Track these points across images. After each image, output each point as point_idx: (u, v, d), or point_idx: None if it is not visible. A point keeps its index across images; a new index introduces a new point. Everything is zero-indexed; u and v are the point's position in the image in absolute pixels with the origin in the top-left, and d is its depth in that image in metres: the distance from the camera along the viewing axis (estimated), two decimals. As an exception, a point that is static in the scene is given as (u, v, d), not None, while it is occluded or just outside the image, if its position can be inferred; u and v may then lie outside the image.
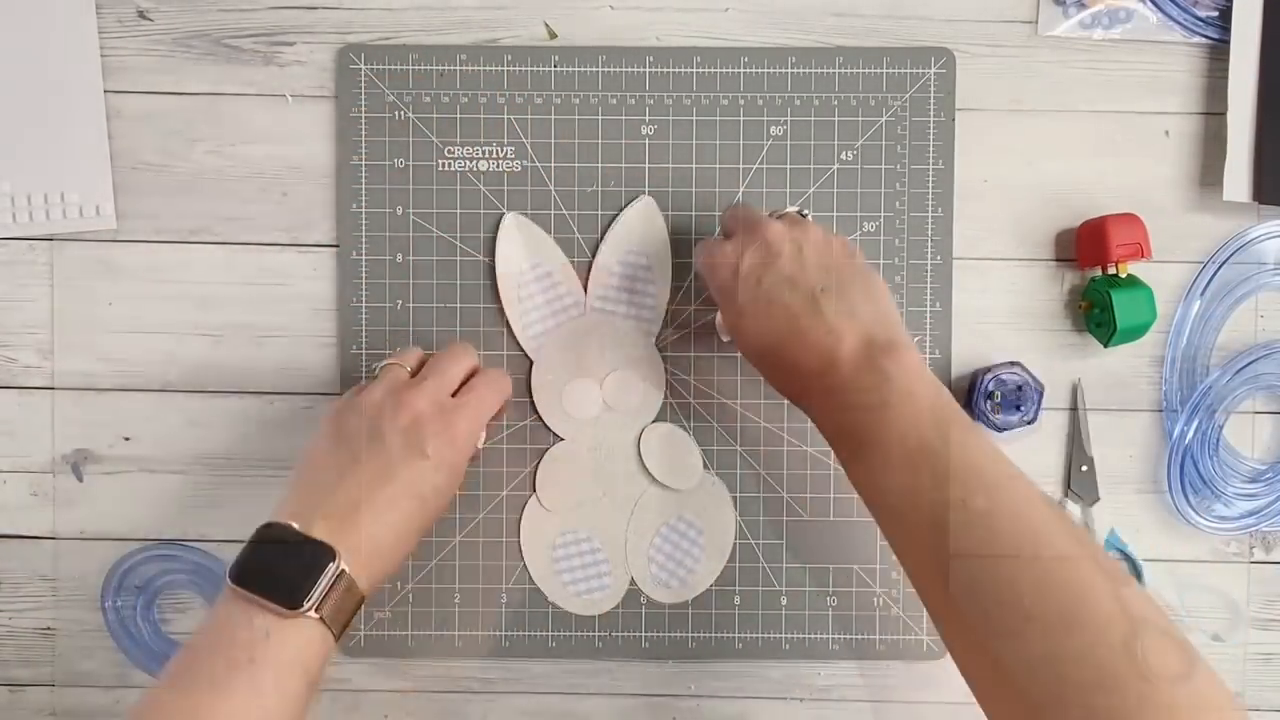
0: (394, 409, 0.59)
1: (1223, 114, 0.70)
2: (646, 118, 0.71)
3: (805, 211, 0.65)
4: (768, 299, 0.58)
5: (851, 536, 0.70)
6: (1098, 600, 0.46)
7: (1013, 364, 0.69)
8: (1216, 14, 0.70)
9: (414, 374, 0.62)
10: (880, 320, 0.57)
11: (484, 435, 0.65)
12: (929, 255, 0.71)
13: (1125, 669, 0.45)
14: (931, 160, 0.71)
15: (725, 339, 0.69)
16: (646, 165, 0.71)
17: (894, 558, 0.66)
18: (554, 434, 0.71)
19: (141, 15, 0.71)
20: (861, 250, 0.63)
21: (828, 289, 0.57)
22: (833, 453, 0.58)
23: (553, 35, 0.71)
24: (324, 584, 0.53)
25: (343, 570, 0.54)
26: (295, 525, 0.55)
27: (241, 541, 0.70)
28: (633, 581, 0.71)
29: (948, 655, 0.70)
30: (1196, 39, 0.71)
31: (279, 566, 0.54)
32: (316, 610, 0.53)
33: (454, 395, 0.62)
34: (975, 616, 0.48)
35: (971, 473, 0.51)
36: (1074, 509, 0.71)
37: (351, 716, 0.72)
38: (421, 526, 0.59)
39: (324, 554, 0.54)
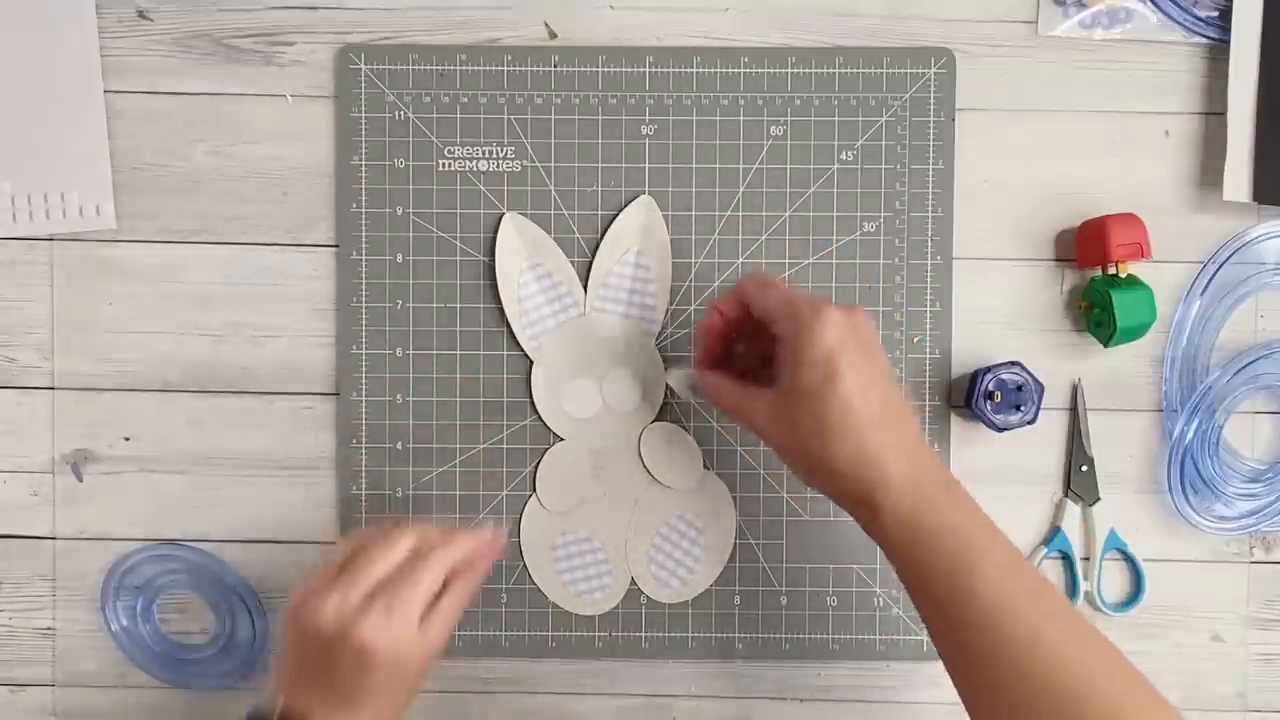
0: (311, 625, 0.58)
1: (1223, 114, 0.70)
2: (646, 118, 0.71)
3: None
4: (872, 363, 0.57)
5: (851, 536, 0.70)
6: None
7: (1013, 364, 0.69)
8: (1216, 14, 0.70)
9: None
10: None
11: (458, 609, 0.61)
12: (929, 255, 0.71)
13: None
14: (931, 160, 0.71)
15: (684, 398, 0.69)
16: (646, 165, 0.71)
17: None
18: (554, 434, 0.71)
19: (141, 15, 0.71)
20: None
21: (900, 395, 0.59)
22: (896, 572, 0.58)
23: (553, 35, 0.71)
24: None
25: None
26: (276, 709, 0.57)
27: (241, 541, 0.71)
28: (633, 581, 0.71)
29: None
30: (1196, 39, 0.71)
31: None
32: None
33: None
34: None
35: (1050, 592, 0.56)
36: (1074, 509, 0.71)
37: (351, 716, 0.72)
38: (392, 708, 0.59)
39: None
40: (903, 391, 0.58)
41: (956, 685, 0.56)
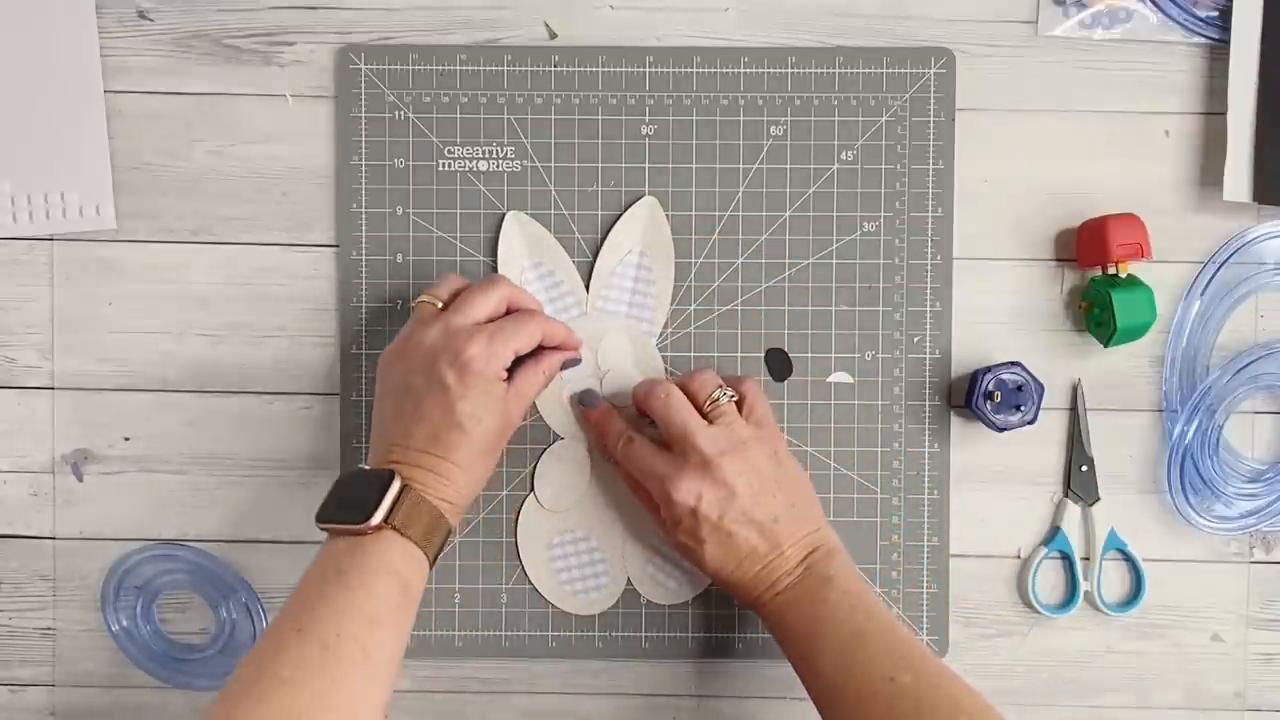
0: (414, 350, 0.62)
1: (1223, 114, 0.70)
2: (646, 118, 0.71)
3: (731, 395, 0.65)
4: (727, 533, 0.63)
5: (849, 536, 0.70)
6: None
7: (1013, 364, 0.69)
8: (1216, 14, 0.70)
9: (445, 306, 0.64)
10: (816, 526, 0.65)
11: (540, 378, 0.65)
12: (929, 255, 0.71)
13: None
14: (931, 160, 0.71)
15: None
16: (646, 165, 0.71)
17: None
18: (553, 433, 0.71)
19: (141, 15, 0.71)
20: (775, 424, 0.67)
21: (779, 518, 0.63)
22: (782, 648, 0.64)
23: (553, 35, 0.71)
24: (389, 499, 0.59)
25: (405, 486, 0.60)
26: (365, 467, 0.62)
27: (241, 541, 0.71)
28: (629, 581, 0.71)
29: (947, 653, 0.71)
30: (1196, 39, 0.71)
31: (350, 497, 0.60)
32: (387, 521, 0.59)
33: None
34: None
35: (897, 653, 0.60)
36: (1074, 509, 0.71)
37: (351, 716, 0.72)
38: (476, 451, 0.62)
39: (384, 476, 0.60)
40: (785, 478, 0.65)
41: None
